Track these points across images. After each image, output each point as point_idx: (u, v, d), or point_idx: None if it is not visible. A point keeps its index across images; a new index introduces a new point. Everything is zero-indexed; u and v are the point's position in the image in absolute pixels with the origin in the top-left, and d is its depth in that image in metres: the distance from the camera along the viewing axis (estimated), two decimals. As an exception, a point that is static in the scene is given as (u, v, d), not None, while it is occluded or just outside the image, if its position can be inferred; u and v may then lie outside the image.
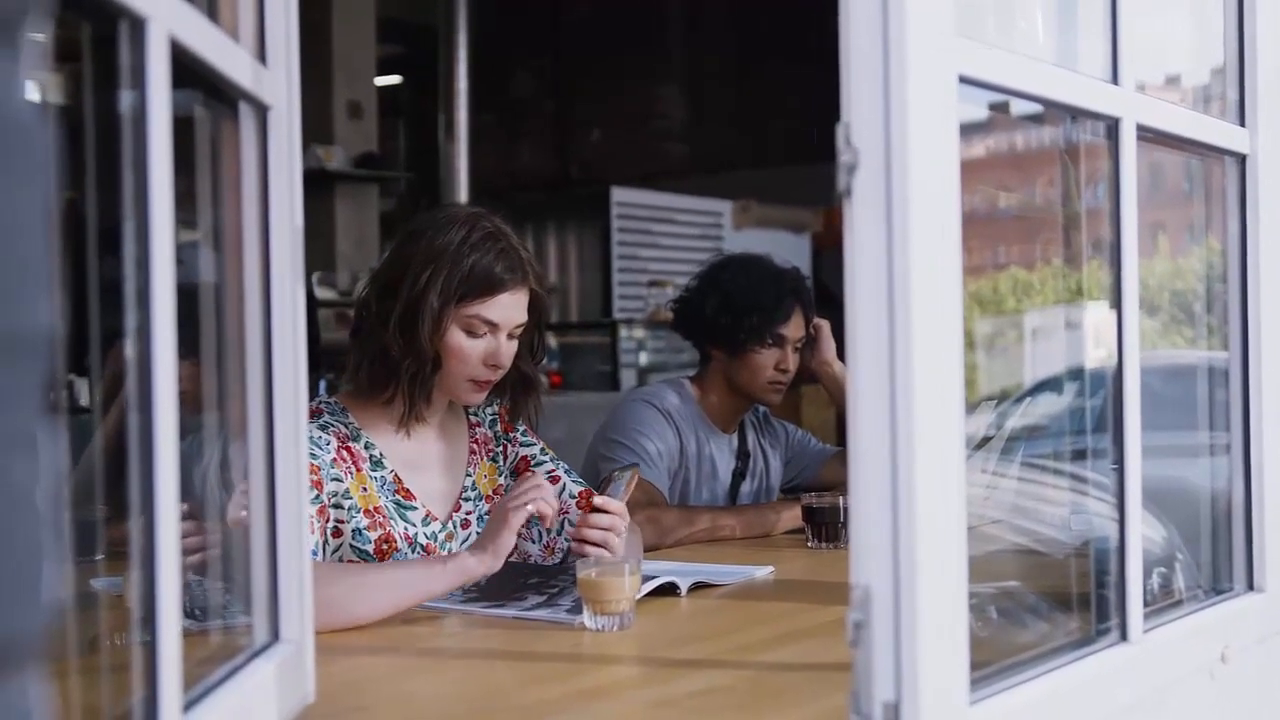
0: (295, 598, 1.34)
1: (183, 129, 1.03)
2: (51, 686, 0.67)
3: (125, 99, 0.97)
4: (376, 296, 2.12)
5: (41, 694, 0.57)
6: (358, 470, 2.10)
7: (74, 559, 1.08)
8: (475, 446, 2.28)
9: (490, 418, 2.32)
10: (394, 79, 9.13)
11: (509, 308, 2.11)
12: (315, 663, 1.39)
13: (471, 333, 2.10)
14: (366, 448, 2.13)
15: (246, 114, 1.29)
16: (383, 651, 1.76)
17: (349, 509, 2.06)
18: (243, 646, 1.29)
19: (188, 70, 1.06)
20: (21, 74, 0.56)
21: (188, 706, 1.04)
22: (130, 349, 0.97)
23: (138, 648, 0.98)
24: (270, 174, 1.31)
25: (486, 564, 1.90)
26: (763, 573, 2.29)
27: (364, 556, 2.07)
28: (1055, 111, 1.53)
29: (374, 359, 2.12)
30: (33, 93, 0.57)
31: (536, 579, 2.07)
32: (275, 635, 1.32)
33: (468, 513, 2.23)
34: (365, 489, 2.10)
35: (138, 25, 0.95)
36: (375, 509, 2.09)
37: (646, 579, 1.97)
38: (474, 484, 2.25)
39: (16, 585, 0.54)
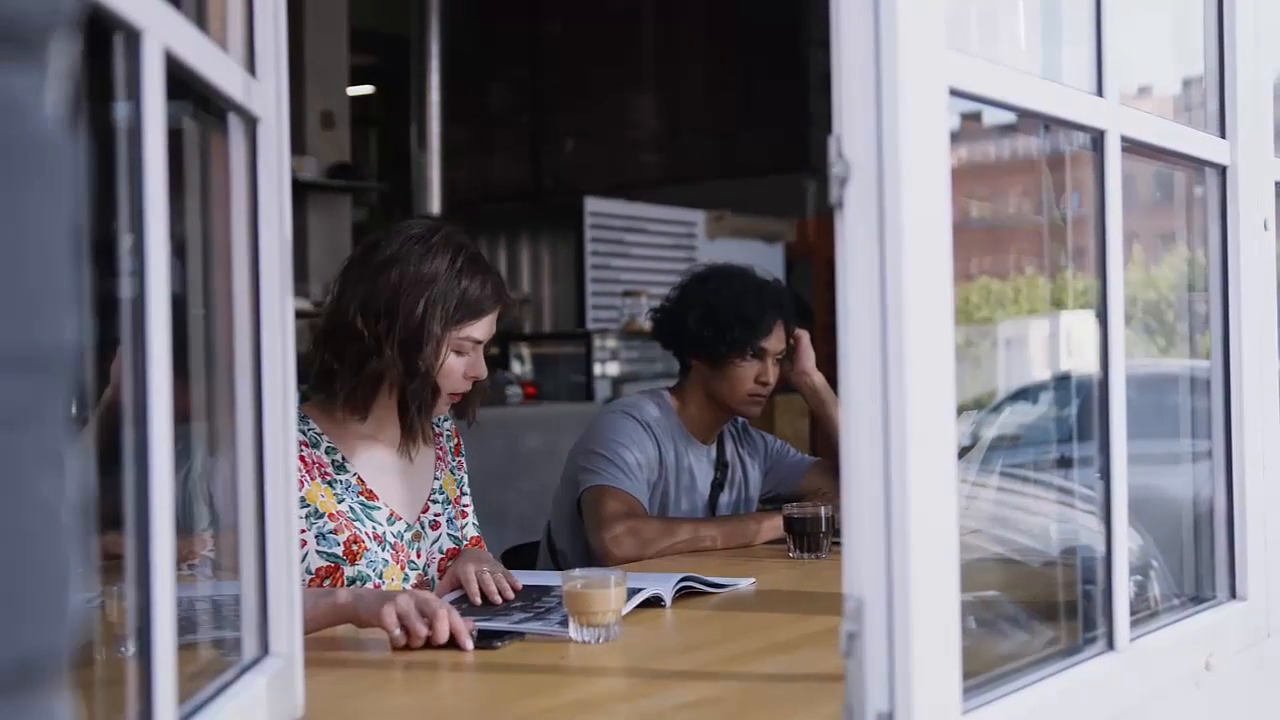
0: (285, 612, 1.33)
1: (171, 140, 1.02)
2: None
3: (119, 110, 0.96)
4: (363, 320, 2.14)
5: (69, 711, 0.57)
6: (322, 474, 2.15)
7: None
8: (440, 453, 2.36)
9: (446, 432, 2.39)
10: (367, 89, 9.10)
11: (491, 325, 2.24)
12: (304, 676, 1.38)
13: (460, 352, 2.20)
14: (328, 453, 2.19)
15: (235, 125, 1.28)
16: (371, 665, 1.75)
17: (307, 516, 2.10)
18: (232, 660, 1.28)
19: (178, 81, 1.06)
20: (46, 91, 0.56)
21: (181, 722, 1.03)
22: (124, 361, 0.96)
23: (128, 662, 0.97)
24: (260, 185, 1.30)
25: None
26: (745, 584, 2.29)
27: (333, 559, 2.12)
28: (1035, 122, 1.53)
29: (367, 380, 2.15)
30: (56, 109, 0.57)
31: (521, 601, 2.07)
32: (265, 649, 1.31)
33: (436, 514, 2.30)
34: (325, 494, 2.14)
35: (133, 37, 0.95)
36: (338, 512, 2.14)
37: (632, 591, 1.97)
38: (441, 487, 2.32)
39: (46, 602, 0.53)
